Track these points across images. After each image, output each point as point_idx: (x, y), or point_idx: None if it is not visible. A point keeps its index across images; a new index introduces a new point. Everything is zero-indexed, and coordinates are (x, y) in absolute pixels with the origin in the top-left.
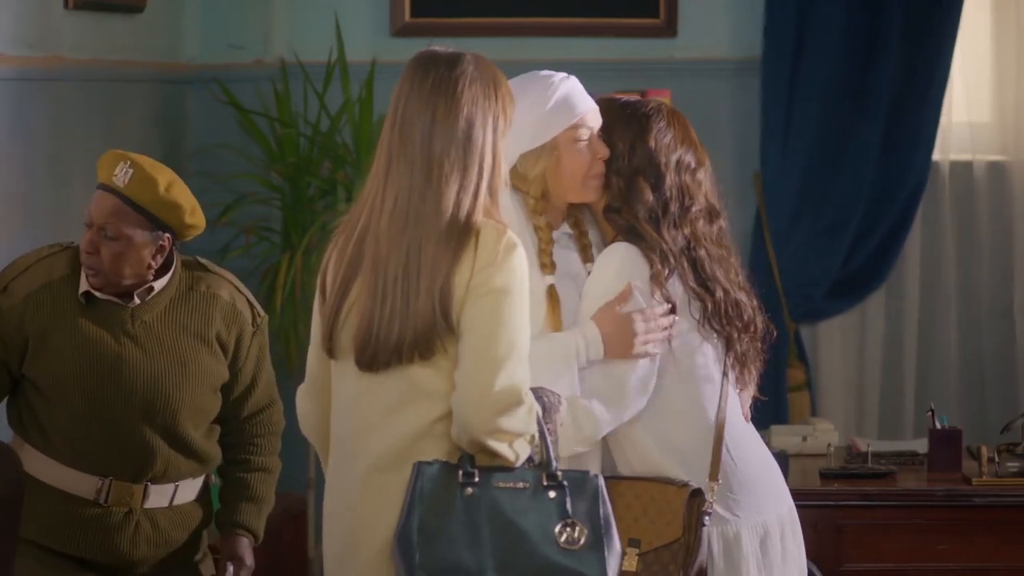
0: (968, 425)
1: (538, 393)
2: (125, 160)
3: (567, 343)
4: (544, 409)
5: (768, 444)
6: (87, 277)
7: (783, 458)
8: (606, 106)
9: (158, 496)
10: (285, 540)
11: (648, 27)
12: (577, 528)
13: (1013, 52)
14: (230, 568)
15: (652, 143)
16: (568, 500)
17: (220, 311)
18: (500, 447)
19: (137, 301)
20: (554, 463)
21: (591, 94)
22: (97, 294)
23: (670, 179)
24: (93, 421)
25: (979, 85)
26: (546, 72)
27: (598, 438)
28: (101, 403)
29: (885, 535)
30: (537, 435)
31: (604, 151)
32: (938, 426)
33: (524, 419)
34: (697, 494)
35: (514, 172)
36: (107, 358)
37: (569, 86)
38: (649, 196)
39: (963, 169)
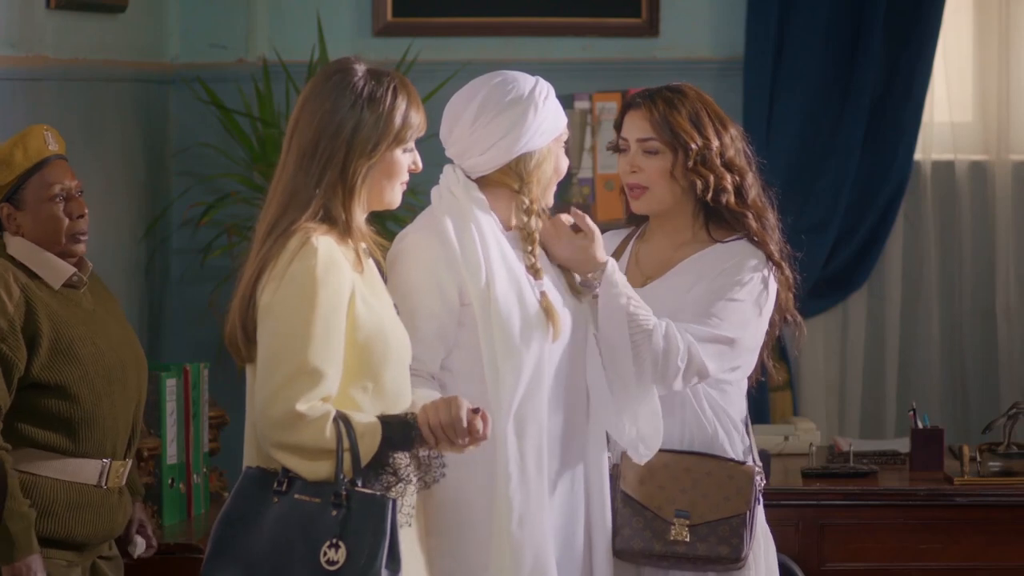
0: (950, 425)
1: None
2: (44, 129)
3: None
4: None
5: None
6: (73, 248)
7: (765, 457)
8: (688, 96)
9: (127, 470)
10: None
11: (630, 27)
12: (341, 549)
13: (995, 52)
14: (142, 542)
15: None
16: (344, 520)
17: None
18: (285, 459)
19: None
20: (342, 480)
21: (576, 94)
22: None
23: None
24: (108, 405)
25: (961, 85)
26: (515, 73)
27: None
28: (110, 385)
29: (867, 535)
30: (346, 449)
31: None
32: (920, 426)
33: (310, 434)
34: (756, 473)
35: (506, 172)
36: (106, 340)
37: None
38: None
39: (945, 169)
